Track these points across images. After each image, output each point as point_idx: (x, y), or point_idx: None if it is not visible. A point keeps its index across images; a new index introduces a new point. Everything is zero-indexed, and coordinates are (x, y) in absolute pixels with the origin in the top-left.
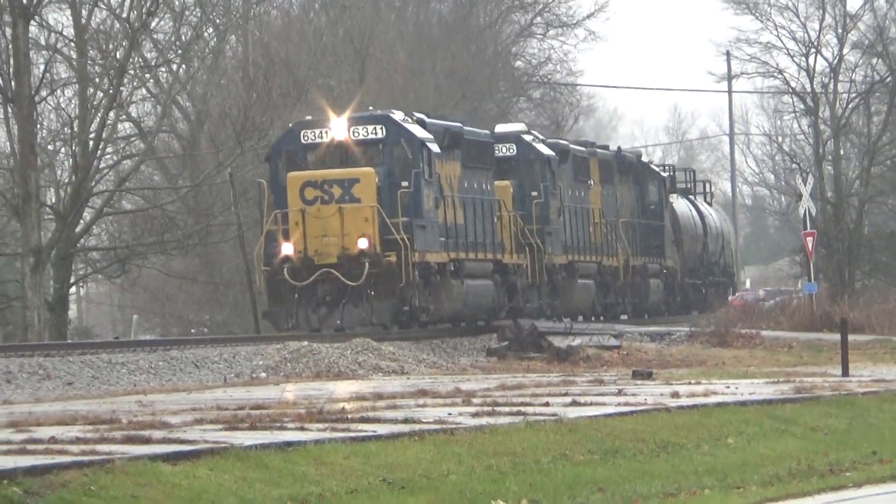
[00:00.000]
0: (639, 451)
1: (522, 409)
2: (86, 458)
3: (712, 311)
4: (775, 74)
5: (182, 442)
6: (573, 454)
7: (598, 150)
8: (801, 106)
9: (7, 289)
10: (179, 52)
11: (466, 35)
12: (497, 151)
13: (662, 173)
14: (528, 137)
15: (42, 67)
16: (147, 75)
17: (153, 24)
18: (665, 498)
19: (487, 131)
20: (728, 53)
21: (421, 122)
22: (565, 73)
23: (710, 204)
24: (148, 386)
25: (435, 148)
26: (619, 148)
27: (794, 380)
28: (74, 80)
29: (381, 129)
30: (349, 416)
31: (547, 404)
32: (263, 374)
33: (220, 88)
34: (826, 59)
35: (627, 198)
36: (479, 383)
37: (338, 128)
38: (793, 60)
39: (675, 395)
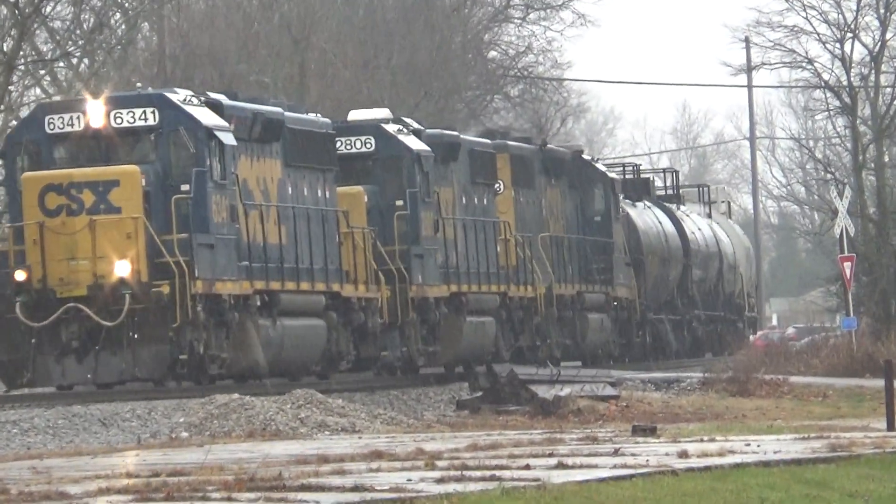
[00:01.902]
0: None
1: (498, 472)
2: None
3: (730, 352)
4: (804, 65)
5: None
6: None
7: (513, 144)
8: (836, 103)
9: None
10: (80, 42)
11: (428, 21)
12: (349, 146)
13: (610, 174)
14: (390, 128)
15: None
16: (42, 71)
17: (48, 10)
18: None
19: (326, 119)
20: (747, 40)
21: (214, 105)
22: (549, 65)
23: (709, 216)
24: (45, 449)
25: (229, 139)
26: (543, 141)
27: (828, 435)
28: None
29: (153, 113)
30: (287, 484)
31: (527, 467)
32: (185, 434)
33: (129, 86)
34: (865, 46)
35: (558, 206)
36: (445, 442)
37: (94, 112)
38: (825, 48)
39: (684, 454)
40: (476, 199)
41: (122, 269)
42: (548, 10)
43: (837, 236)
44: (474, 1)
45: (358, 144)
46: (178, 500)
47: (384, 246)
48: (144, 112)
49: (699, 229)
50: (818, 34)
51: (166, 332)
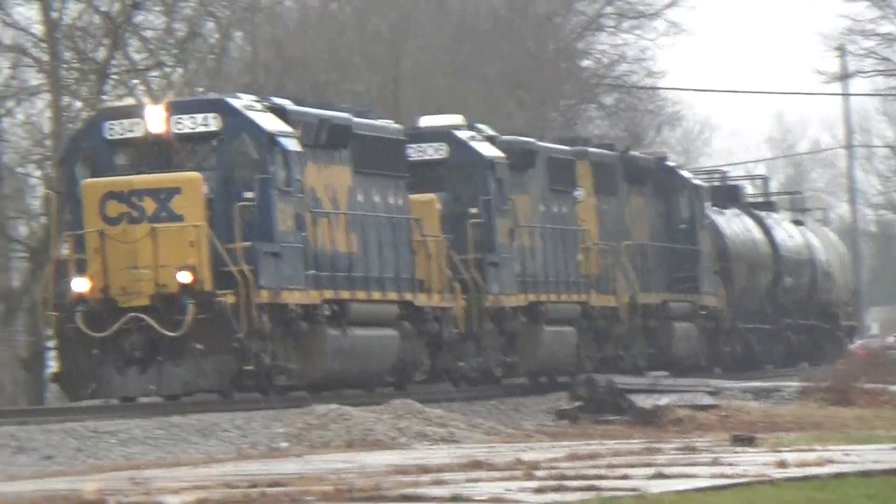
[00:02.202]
0: None
1: (596, 482)
2: None
3: (828, 361)
4: None
5: None
6: None
7: (593, 151)
8: None
9: None
10: (174, 51)
11: (523, 29)
12: (420, 153)
13: (694, 181)
14: (463, 134)
15: (6, 73)
16: (135, 80)
17: (140, 19)
18: None
19: (397, 125)
20: (841, 48)
21: (278, 111)
22: (644, 74)
23: (802, 224)
24: (144, 459)
25: (294, 145)
26: (626, 148)
27: None
28: (46, 88)
29: (216, 118)
30: (385, 494)
31: (626, 477)
32: (284, 444)
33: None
34: None
35: (642, 214)
36: (544, 452)
37: (154, 118)
38: None
39: (783, 464)
40: (555, 207)
41: (183, 277)
42: (641, 19)
43: None
44: (568, 9)
45: (430, 151)
46: None
47: (458, 255)
48: (206, 117)
49: (790, 237)
50: None
51: (230, 342)
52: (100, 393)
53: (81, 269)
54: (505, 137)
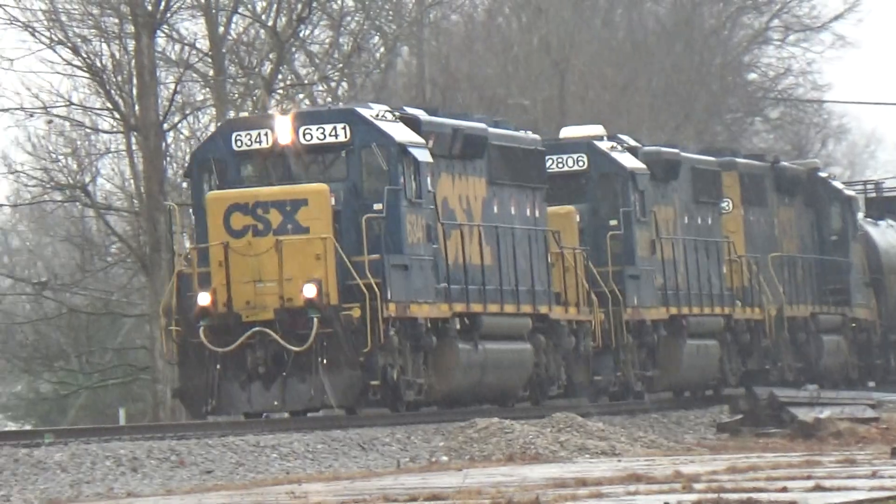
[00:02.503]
0: None
1: (754, 495)
2: None
3: None
4: None
5: None
6: None
7: (741, 161)
8: None
9: (134, 357)
10: (339, 66)
11: (688, 43)
12: (560, 164)
13: (847, 192)
14: (603, 145)
15: (171, 88)
16: (300, 95)
17: (305, 33)
18: None
19: (535, 136)
20: None
21: (410, 121)
22: (809, 87)
23: None
24: (303, 473)
25: (424, 156)
26: (775, 158)
27: None
28: (211, 103)
29: (344, 129)
30: None
31: (784, 489)
32: (445, 458)
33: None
34: None
35: (792, 225)
36: (703, 465)
37: (282, 128)
38: None
39: None
40: (699, 219)
41: (309, 291)
42: (807, 32)
43: None
44: (734, 23)
45: (570, 162)
46: None
47: (597, 267)
48: (335, 128)
49: None
50: None
51: (357, 357)
52: (221, 409)
53: (205, 283)
54: (648, 148)
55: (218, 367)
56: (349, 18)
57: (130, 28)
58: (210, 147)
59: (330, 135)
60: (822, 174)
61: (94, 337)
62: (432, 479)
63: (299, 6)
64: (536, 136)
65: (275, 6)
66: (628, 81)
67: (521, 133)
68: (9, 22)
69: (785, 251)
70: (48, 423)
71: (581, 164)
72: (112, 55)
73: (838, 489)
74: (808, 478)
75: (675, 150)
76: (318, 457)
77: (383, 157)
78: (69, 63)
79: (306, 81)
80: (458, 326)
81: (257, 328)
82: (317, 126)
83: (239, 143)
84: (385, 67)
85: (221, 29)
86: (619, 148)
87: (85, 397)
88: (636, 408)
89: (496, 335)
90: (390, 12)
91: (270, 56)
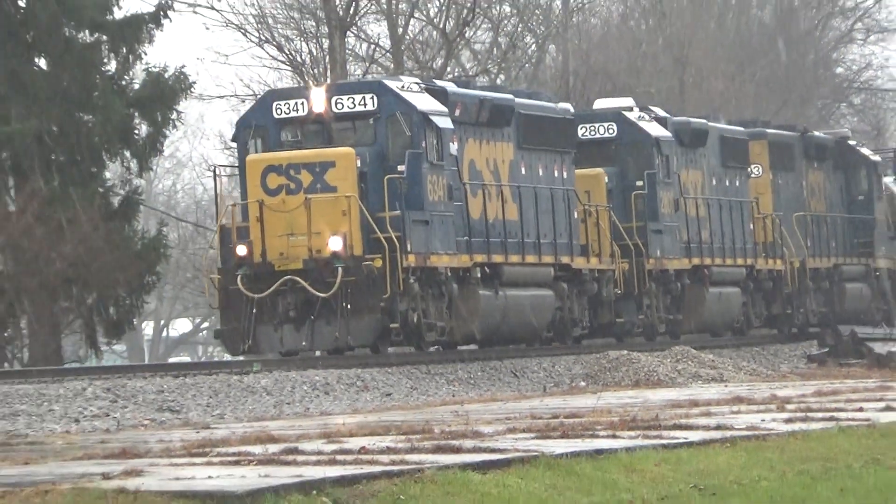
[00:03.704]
0: None
1: (835, 414)
2: (395, 468)
3: None
4: None
5: (493, 451)
6: (885, 459)
7: (771, 132)
8: None
9: None
10: (498, 61)
11: (787, 41)
12: (592, 132)
13: (873, 157)
14: (631, 115)
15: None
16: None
17: (470, 34)
18: None
19: (566, 105)
20: None
21: (437, 92)
22: (886, 78)
23: None
24: (466, 396)
25: (445, 122)
26: (804, 129)
27: None
28: None
29: (372, 98)
30: (661, 424)
31: (860, 409)
32: (583, 384)
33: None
34: None
35: (820, 188)
36: (795, 390)
37: (317, 98)
38: None
39: None
40: (727, 181)
41: (335, 243)
42: (885, 33)
43: None
44: (824, 25)
45: (601, 130)
46: (572, 437)
47: (623, 223)
48: (364, 98)
49: None
50: None
51: (377, 302)
52: (256, 349)
53: (243, 237)
54: (677, 119)
55: (254, 311)
56: (506, 21)
57: (325, 29)
58: (253, 115)
59: (359, 104)
60: (851, 142)
61: None
62: (572, 401)
63: (465, 11)
64: (567, 106)
65: (445, 11)
66: (736, 73)
67: (552, 104)
68: (225, 25)
69: (813, 210)
70: None
71: (611, 131)
72: (310, 52)
73: None
74: (881, 400)
75: (703, 121)
76: (478, 382)
77: (406, 124)
78: (274, 58)
79: (470, 74)
80: (479, 275)
81: (289, 276)
82: (347, 96)
83: (279, 112)
84: (535, 62)
85: (400, 30)
86: (647, 118)
87: None
88: (741, 342)
89: (518, 283)
90: (541, 16)
91: (441, 53)
